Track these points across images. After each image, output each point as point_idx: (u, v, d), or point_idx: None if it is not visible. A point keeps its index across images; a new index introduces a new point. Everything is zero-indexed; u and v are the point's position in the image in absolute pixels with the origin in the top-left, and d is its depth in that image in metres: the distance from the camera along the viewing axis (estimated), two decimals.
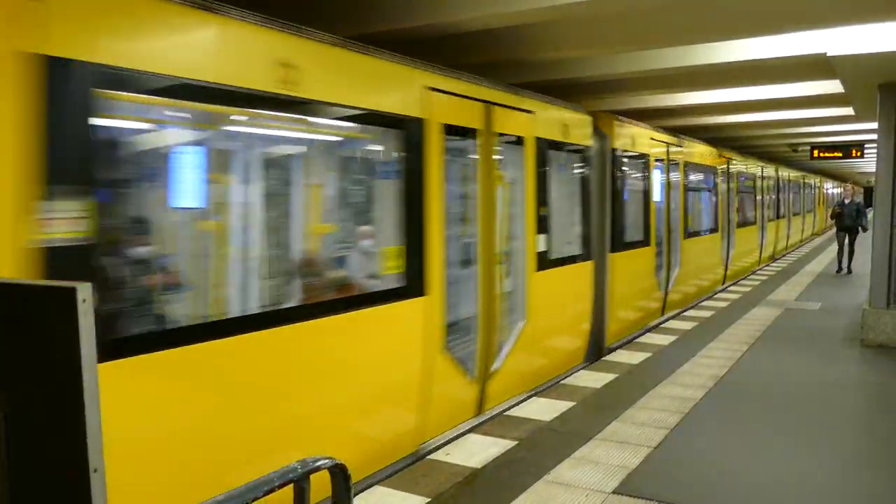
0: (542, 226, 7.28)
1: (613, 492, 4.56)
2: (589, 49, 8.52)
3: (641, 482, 4.72)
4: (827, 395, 6.90)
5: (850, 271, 16.38)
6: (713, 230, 14.36)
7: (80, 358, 1.58)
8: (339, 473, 2.13)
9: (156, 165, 4.39)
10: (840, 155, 19.04)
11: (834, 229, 17.89)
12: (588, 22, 7.72)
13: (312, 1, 6.91)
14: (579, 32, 7.93)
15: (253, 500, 1.79)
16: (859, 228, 16.19)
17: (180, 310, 4.33)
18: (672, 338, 9.52)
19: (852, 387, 7.31)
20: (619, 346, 9.08)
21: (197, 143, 4.56)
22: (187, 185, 4.36)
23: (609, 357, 8.49)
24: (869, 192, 30.23)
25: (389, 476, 4.92)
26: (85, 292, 1.59)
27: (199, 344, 3.74)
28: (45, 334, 1.64)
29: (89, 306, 1.59)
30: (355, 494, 4.14)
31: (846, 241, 16.55)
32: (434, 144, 5.60)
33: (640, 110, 13.69)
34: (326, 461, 2.09)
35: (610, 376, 7.48)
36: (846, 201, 16.74)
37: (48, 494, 1.68)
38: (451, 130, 5.85)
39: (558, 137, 7.76)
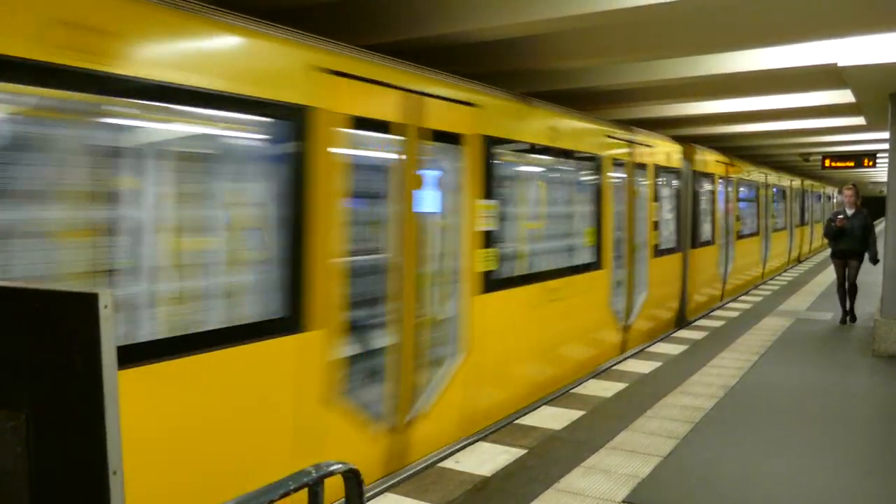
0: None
1: (623, 501, 4.56)
2: (599, 59, 8.55)
3: (652, 492, 4.71)
4: (838, 405, 6.86)
5: (853, 318, 11.39)
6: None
7: (102, 363, 1.61)
8: (352, 478, 2.16)
9: None
10: (852, 164, 18.95)
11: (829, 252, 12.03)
12: (599, 32, 7.75)
13: (334, 13, 6.99)
14: (590, 43, 7.96)
15: (268, 503, 1.82)
16: (865, 254, 10.98)
17: None
18: (682, 347, 9.50)
19: (863, 397, 7.27)
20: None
21: None
22: None
23: (618, 367, 8.47)
24: (879, 202, 29.98)
25: (400, 483, 4.94)
26: (107, 298, 1.62)
27: None
28: (68, 339, 1.67)
29: (111, 312, 1.62)
30: (366, 500, 4.15)
31: (846, 272, 11.18)
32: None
33: (651, 119, 13.72)
34: (340, 466, 2.11)
35: (620, 385, 7.48)
36: (849, 212, 11.01)
37: (68, 495, 1.71)
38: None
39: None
